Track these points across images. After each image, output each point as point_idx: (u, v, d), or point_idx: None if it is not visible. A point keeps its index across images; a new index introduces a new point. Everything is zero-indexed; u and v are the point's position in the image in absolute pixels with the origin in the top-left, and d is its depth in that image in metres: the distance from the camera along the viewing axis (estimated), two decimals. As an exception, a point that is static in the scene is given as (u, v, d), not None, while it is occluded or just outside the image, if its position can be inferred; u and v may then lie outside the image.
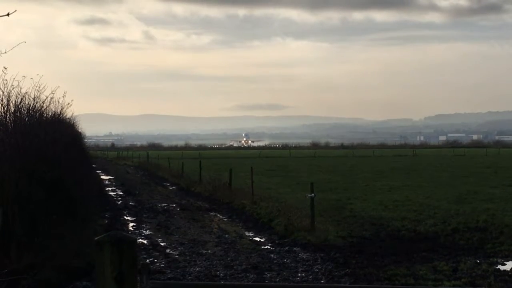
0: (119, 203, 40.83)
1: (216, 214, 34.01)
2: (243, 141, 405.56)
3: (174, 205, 38.72)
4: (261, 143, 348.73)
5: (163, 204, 39.04)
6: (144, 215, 33.52)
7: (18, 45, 17.09)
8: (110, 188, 53.33)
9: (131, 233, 26.99)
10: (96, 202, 34.15)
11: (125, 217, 33.16)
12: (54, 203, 20.66)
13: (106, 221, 30.30)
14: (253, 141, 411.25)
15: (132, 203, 40.14)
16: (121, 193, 48.58)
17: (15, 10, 9.47)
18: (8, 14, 9.19)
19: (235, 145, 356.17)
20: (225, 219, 31.82)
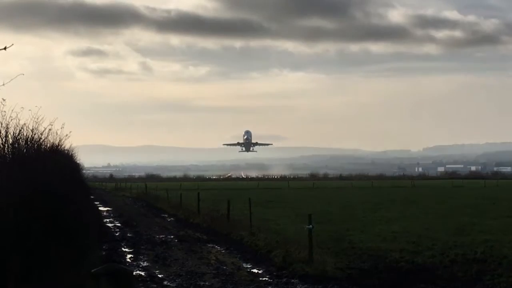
0: (117, 234, 40.73)
1: (214, 245, 33.92)
2: (243, 143, 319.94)
3: (172, 236, 38.63)
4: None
5: (161, 236, 38.95)
6: (142, 247, 33.43)
7: (16, 77, 17.20)
8: (108, 220, 53.21)
9: (129, 264, 26.92)
10: (94, 234, 34.05)
11: (123, 248, 33.06)
12: (52, 235, 20.60)
13: (104, 253, 30.21)
14: (256, 143, 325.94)
15: (130, 235, 40.04)
16: (119, 224, 48.48)
17: (12, 44, 9.55)
18: (5, 48, 9.27)
19: (233, 176, 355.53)
20: (223, 251, 31.73)
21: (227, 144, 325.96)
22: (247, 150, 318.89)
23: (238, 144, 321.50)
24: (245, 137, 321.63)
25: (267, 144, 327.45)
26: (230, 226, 39.99)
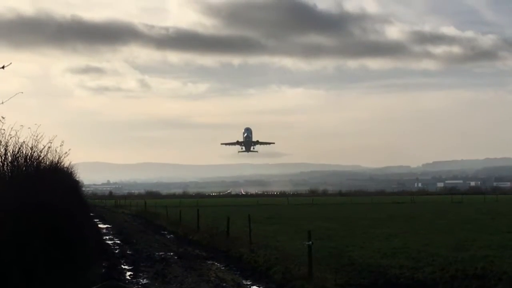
0: (116, 251, 40.68)
1: (214, 262, 33.86)
2: (243, 142, 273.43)
3: (171, 253, 38.57)
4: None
5: (161, 253, 38.89)
6: (142, 264, 33.36)
7: (15, 95, 17.28)
8: (107, 237, 53.14)
9: (128, 282, 26.85)
10: (93, 251, 34.00)
11: (122, 265, 33.00)
12: (52, 252, 20.59)
13: (103, 270, 30.14)
14: (257, 142, 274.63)
15: (130, 252, 39.97)
16: (118, 241, 48.41)
17: (10, 63, 9.61)
18: (3, 67, 9.33)
19: (233, 193, 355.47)
20: (223, 268, 31.68)
21: (225, 144, 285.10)
22: (247, 150, 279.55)
23: (238, 143, 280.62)
24: (245, 135, 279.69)
25: (269, 143, 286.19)
26: (229, 243, 39.95)
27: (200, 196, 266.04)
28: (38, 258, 19.19)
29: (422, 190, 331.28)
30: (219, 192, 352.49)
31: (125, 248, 42.93)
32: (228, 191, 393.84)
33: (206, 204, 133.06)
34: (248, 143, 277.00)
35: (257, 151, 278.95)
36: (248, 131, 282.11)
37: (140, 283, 26.82)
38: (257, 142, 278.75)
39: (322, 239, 40.84)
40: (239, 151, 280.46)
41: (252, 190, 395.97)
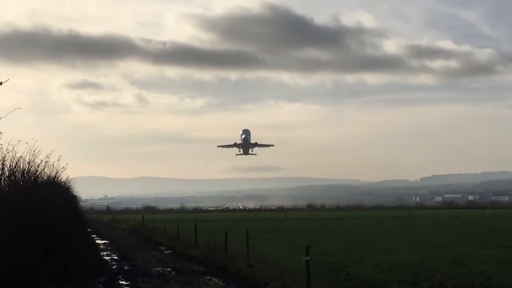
0: (114, 267, 40.53)
1: (212, 278, 33.74)
2: (241, 144, 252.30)
3: (169, 269, 38.45)
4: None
5: (158, 268, 38.76)
6: (139, 280, 33.23)
7: (12, 111, 17.28)
8: (105, 253, 52.97)
9: (126, 298, 26.72)
10: (91, 267, 33.88)
11: (119, 281, 32.87)
12: (49, 268, 20.50)
13: (101, 286, 30.04)
14: (256, 144, 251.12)
15: (127, 267, 39.84)
16: (116, 257, 48.26)
17: (8, 79, 9.61)
18: (1, 83, 9.33)
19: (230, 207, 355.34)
20: (221, 283, 31.55)
21: (222, 146, 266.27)
22: (246, 152, 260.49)
23: (235, 145, 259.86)
24: (243, 136, 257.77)
25: (269, 145, 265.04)
26: (227, 258, 39.86)
27: (198, 211, 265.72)
28: (35, 275, 19.10)
29: (420, 204, 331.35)
30: (217, 207, 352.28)
31: (122, 263, 42.79)
32: (226, 205, 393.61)
33: (204, 219, 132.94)
34: (246, 145, 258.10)
35: (255, 154, 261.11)
36: (246, 132, 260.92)
37: (138, 299, 26.71)
38: (256, 144, 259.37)
39: (320, 254, 40.74)
40: (236, 154, 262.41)
41: (250, 204, 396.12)
